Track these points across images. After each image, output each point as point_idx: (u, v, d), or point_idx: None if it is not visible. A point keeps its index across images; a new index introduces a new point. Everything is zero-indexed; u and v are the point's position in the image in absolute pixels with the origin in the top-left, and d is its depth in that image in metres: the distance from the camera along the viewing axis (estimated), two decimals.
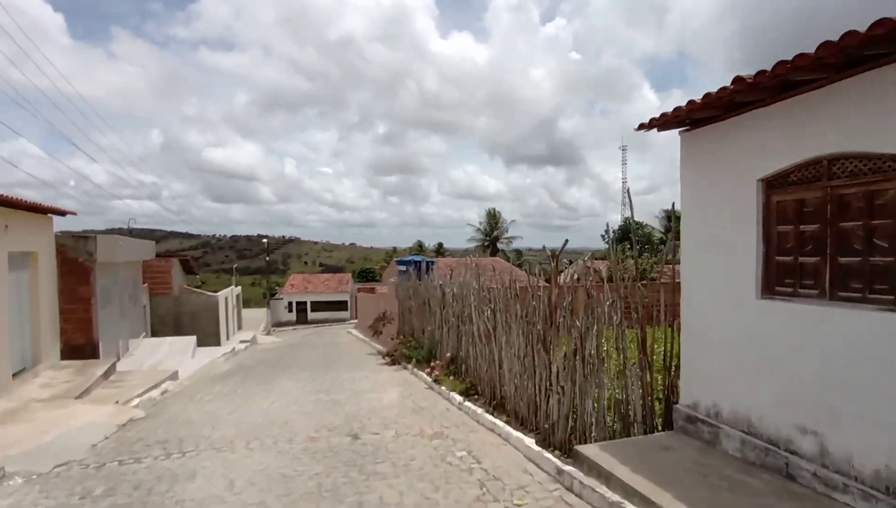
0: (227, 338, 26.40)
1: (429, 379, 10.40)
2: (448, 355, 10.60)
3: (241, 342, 26.13)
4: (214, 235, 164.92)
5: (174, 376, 12.52)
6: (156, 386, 10.83)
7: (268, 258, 45.80)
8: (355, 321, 47.08)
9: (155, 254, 20.46)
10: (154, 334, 21.90)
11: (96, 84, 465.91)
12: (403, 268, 19.19)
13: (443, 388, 9.49)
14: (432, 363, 10.98)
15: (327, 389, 10.46)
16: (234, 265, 48.14)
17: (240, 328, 32.53)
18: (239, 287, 33.81)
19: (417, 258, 19.76)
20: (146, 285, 21.91)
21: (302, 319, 52.80)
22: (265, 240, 45.56)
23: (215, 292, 26.24)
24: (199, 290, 23.24)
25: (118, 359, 13.64)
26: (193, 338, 19.91)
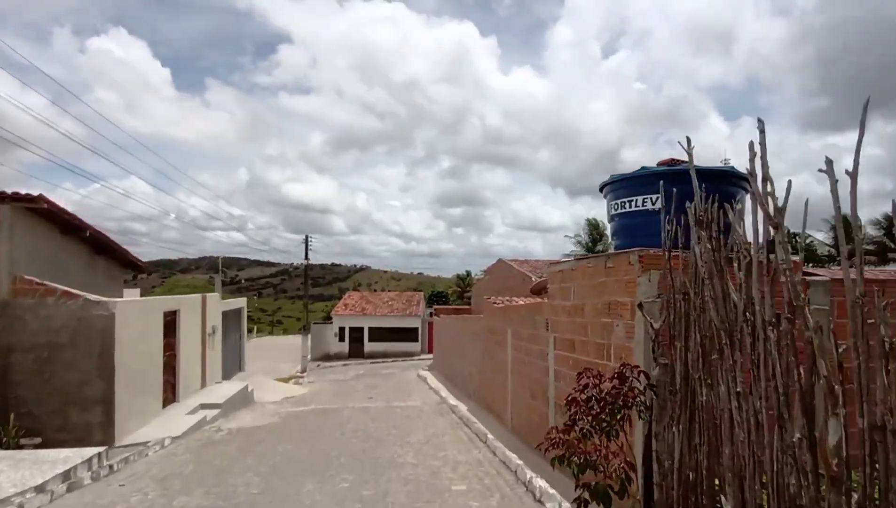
0: (177, 398, 12.60)
1: None
2: None
3: (204, 406, 12.27)
4: (292, 263, 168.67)
5: None
6: None
7: (308, 261, 32.78)
8: (429, 356, 32.86)
9: None
10: None
11: (192, 129, 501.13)
12: (641, 204, 4.57)
13: None
14: None
15: None
16: (219, 257, 35.75)
17: (239, 369, 18.88)
18: (243, 299, 20.31)
19: (704, 165, 4.75)
20: None
21: (356, 351, 38.91)
22: (309, 235, 32.69)
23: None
24: (73, 291, 9.43)
25: None
26: None
